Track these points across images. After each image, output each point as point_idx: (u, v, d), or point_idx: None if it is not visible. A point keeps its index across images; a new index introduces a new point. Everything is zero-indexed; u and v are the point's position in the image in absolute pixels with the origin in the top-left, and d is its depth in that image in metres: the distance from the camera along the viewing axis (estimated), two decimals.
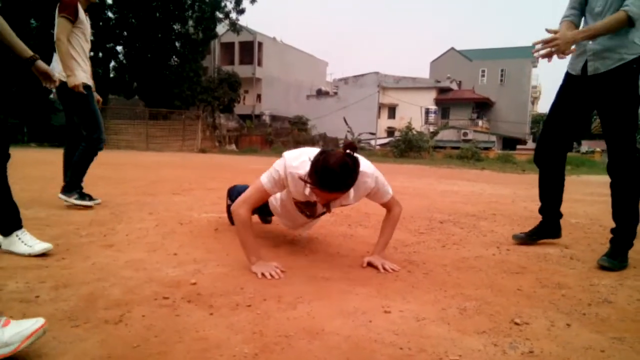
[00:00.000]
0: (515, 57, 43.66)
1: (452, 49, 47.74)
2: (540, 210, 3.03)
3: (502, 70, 44.74)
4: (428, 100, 39.28)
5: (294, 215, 2.53)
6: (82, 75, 3.70)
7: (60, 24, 3.54)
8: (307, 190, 2.10)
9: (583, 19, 2.70)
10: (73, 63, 3.61)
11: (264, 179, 2.24)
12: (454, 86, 42.87)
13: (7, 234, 2.41)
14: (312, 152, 2.14)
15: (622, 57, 2.45)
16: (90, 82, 3.81)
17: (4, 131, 2.39)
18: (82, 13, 3.68)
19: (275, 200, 2.58)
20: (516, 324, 1.65)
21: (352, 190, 2.14)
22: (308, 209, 2.44)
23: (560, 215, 3.00)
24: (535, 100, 48.81)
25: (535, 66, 46.39)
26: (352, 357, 1.38)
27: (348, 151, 1.99)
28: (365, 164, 2.19)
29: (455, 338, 1.52)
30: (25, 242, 2.38)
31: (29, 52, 2.45)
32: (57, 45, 3.50)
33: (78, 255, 2.42)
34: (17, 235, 2.40)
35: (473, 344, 1.48)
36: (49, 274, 2.08)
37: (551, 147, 2.88)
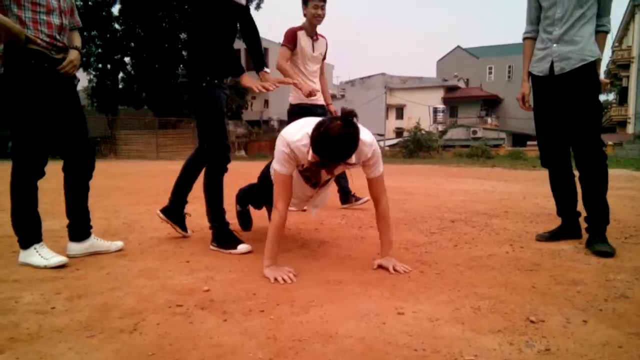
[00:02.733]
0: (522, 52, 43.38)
1: (458, 47, 47.60)
2: (558, 212, 3.09)
3: (509, 67, 44.45)
4: (436, 99, 39.17)
5: (300, 187, 2.54)
6: None
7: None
8: (310, 155, 2.14)
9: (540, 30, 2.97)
10: None
11: (277, 166, 2.28)
12: (462, 84, 42.73)
13: (26, 247, 2.46)
14: (310, 124, 2.16)
15: (585, 58, 2.74)
16: None
17: (40, 150, 2.44)
18: None
19: None
20: (531, 321, 1.64)
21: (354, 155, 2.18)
22: (314, 177, 2.47)
23: (579, 214, 2.99)
24: None
25: None
26: (366, 359, 1.37)
27: (348, 118, 2.02)
28: (365, 133, 2.23)
29: (470, 338, 1.51)
30: (43, 255, 2.43)
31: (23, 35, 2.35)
32: None
33: (92, 265, 2.44)
34: (35, 248, 2.45)
35: (488, 344, 1.46)
36: (64, 285, 2.10)
37: (550, 149, 3.00)
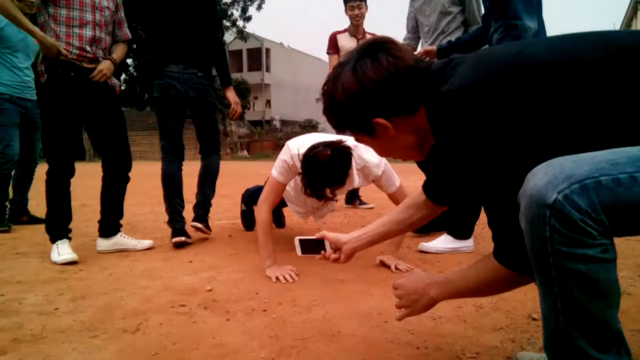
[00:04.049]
0: None
1: None
2: None
3: None
4: None
5: (305, 199, 2.54)
6: None
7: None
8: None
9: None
10: None
11: (275, 172, 2.30)
12: None
13: (52, 242, 2.60)
14: (313, 140, 2.17)
15: None
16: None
17: (70, 153, 2.62)
18: None
19: (288, 186, 2.58)
20: (533, 319, 1.64)
21: (355, 177, 2.22)
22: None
23: None
24: None
25: None
26: (369, 358, 1.37)
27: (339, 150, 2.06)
28: (370, 155, 2.24)
29: (472, 336, 1.51)
30: (60, 251, 2.54)
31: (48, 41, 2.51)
32: None
33: (95, 266, 2.45)
34: (57, 244, 2.58)
35: (490, 341, 1.46)
36: (68, 286, 2.11)
37: None
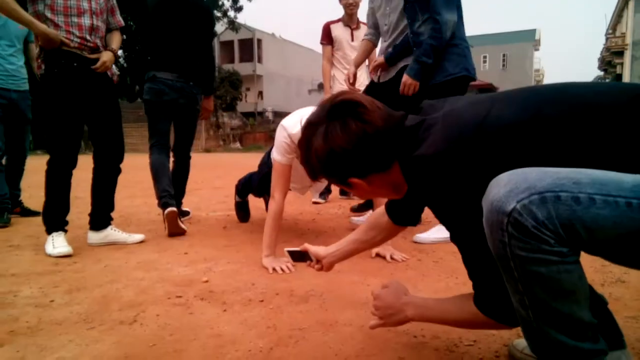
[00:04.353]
0: (517, 41, 43.35)
1: None
2: None
3: (504, 55, 44.44)
4: None
5: (301, 175, 2.54)
6: None
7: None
8: None
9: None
10: None
11: (276, 156, 2.29)
12: None
13: (48, 233, 2.59)
14: (306, 114, 2.16)
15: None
16: None
17: (73, 143, 2.61)
18: None
19: None
20: None
21: None
22: None
23: None
24: (538, 83, 48.47)
25: (537, 49, 46.10)
26: (367, 347, 1.38)
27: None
28: None
29: None
30: (55, 243, 2.52)
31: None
32: None
33: (90, 258, 2.44)
34: (52, 236, 2.56)
35: (487, 329, 1.47)
36: (62, 278, 2.10)
37: None
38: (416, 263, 2.27)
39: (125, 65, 25.03)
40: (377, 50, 3.38)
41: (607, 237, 0.78)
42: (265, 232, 2.29)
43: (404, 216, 1.41)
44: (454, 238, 1.07)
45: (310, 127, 1.08)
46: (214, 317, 1.62)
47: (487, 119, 0.94)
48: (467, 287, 1.87)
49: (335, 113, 1.04)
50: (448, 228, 1.06)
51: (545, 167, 0.84)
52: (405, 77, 2.67)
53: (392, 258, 2.30)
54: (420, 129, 1.02)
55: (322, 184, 2.81)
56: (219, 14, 25.67)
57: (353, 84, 3.26)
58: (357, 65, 3.33)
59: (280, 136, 2.29)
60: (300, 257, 1.66)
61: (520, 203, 0.79)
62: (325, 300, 1.77)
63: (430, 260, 2.31)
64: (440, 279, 2.02)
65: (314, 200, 4.22)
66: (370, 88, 3.23)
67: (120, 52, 24.93)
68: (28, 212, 3.75)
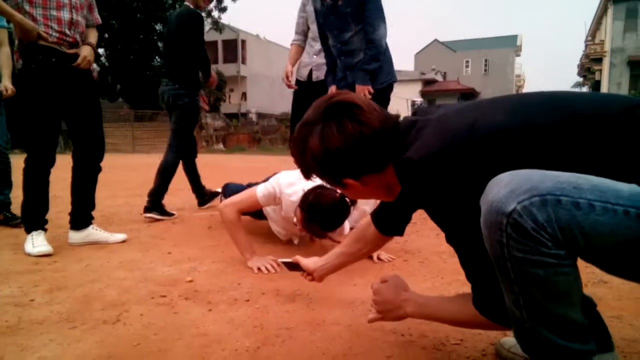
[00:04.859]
0: (499, 46, 43.94)
1: (436, 40, 47.88)
2: None
3: (485, 60, 44.99)
4: (414, 92, 39.40)
5: (287, 225, 2.51)
6: None
7: None
8: (295, 220, 2.15)
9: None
10: None
11: (260, 191, 2.25)
12: (439, 77, 43.06)
13: (28, 232, 2.53)
14: (308, 184, 2.12)
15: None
16: None
17: (51, 141, 2.56)
18: None
19: (270, 208, 2.53)
20: None
21: (346, 225, 2.28)
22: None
23: None
24: (519, 88, 49.18)
25: (518, 55, 46.76)
26: (354, 345, 1.37)
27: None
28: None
29: None
30: (34, 242, 2.47)
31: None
32: None
33: (70, 257, 2.39)
34: (32, 235, 2.51)
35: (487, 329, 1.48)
36: (42, 277, 2.05)
37: None
38: (402, 264, 2.28)
39: (107, 64, 24.69)
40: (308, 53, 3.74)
41: (604, 244, 0.78)
42: (235, 242, 2.28)
43: (390, 225, 1.42)
44: (449, 239, 1.07)
45: (305, 126, 1.07)
46: (199, 316, 1.60)
47: (479, 124, 0.95)
48: (452, 287, 1.89)
49: (331, 113, 1.03)
50: (443, 229, 1.06)
51: (544, 170, 0.84)
52: (358, 88, 2.82)
53: (378, 258, 2.30)
54: (412, 131, 1.03)
55: (308, 235, 2.77)
56: (203, 14, 25.50)
57: (289, 81, 3.64)
58: (293, 64, 3.74)
59: (274, 183, 2.27)
60: (293, 267, 1.72)
61: (520, 204, 0.79)
62: (311, 300, 1.76)
63: (416, 261, 2.31)
64: (427, 279, 2.02)
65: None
66: (300, 90, 3.66)
67: (101, 51, 24.66)
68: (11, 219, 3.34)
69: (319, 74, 3.56)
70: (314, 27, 3.42)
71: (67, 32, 2.52)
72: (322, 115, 1.04)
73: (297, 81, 3.72)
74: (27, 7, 2.42)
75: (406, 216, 1.39)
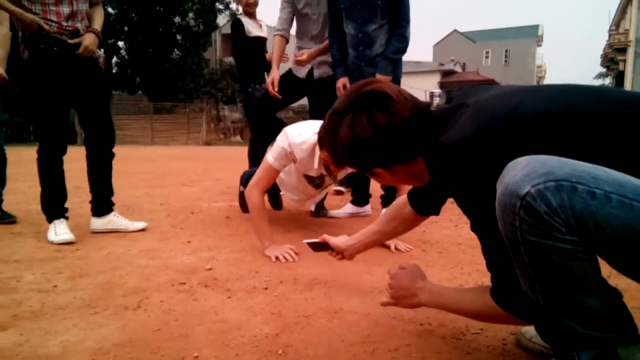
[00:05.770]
0: (519, 37, 43.20)
1: (455, 31, 47.27)
2: None
3: (506, 51, 44.29)
4: (432, 83, 39.00)
5: (301, 187, 2.54)
6: None
7: None
8: (316, 163, 2.17)
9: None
10: None
11: (271, 158, 2.27)
12: (458, 68, 42.48)
13: (49, 221, 2.58)
14: (315, 126, 2.16)
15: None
16: None
17: (59, 130, 2.59)
18: None
19: (283, 173, 2.55)
20: None
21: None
22: (317, 178, 2.48)
23: None
24: (540, 79, 48.39)
25: (539, 45, 45.91)
26: (373, 333, 1.37)
27: None
28: None
29: None
30: (57, 231, 2.51)
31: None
32: None
33: (92, 245, 2.43)
34: (54, 224, 2.55)
35: (503, 323, 1.46)
36: (65, 264, 2.09)
37: None
38: (420, 254, 2.26)
39: (126, 57, 24.95)
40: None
41: (616, 238, 0.76)
42: (256, 227, 2.29)
43: (427, 206, 1.41)
44: (474, 227, 1.05)
45: (336, 115, 1.07)
46: (218, 303, 1.62)
47: (520, 108, 0.92)
48: (472, 277, 1.87)
49: (362, 103, 1.03)
50: (469, 217, 1.05)
51: (565, 158, 0.82)
52: (380, 78, 2.78)
53: (396, 248, 2.29)
54: (450, 116, 1.01)
55: (319, 196, 2.81)
56: (220, 6, 25.56)
57: (275, 88, 3.30)
58: (278, 64, 3.44)
59: (280, 141, 2.27)
60: (319, 247, 1.73)
61: (535, 187, 0.78)
62: (329, 289, 1.76)
63: (435, 251, 2.30)
64: (445, 269, 2.01)
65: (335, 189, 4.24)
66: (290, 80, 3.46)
67: (121, 44, 24.92)
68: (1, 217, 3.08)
69: (321, 72, 3.38)
70: (313, 28, 3.31)
71: (65, 23, 2.52)
72: (352, 104, 1.04)
73: (295, 77, 3.47)
74: (25, 3, 2.43)
75: (442, 197, 1.38)
